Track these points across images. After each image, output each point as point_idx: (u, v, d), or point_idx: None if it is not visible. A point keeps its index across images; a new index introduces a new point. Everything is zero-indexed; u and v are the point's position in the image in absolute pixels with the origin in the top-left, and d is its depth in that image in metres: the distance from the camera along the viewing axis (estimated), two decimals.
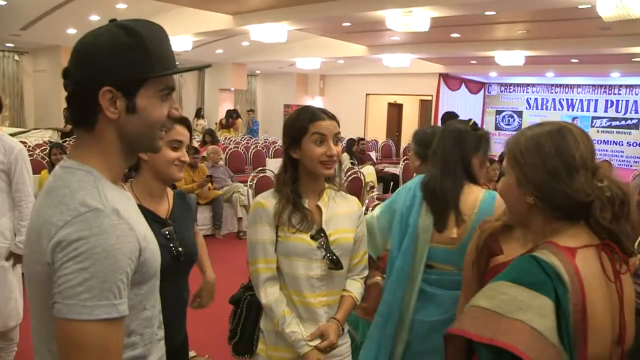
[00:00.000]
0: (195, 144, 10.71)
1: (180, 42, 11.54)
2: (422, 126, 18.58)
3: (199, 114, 16.49)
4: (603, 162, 6.94)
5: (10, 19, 10.62)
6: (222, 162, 8.78)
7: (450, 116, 8.68)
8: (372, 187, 8.31)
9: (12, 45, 13.76)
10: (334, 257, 1.96)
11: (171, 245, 1.99)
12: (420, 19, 8.17)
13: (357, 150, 10.85)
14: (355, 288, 2.10)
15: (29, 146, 10.10)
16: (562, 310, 1.11)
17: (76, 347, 1.04)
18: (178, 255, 1.99)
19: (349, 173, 7.55)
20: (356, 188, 7.24)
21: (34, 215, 1.16)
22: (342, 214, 2.06)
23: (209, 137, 10.72)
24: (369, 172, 8.59)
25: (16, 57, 14.74)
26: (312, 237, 1.96)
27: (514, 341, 1.06)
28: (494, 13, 8.78)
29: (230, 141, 13.13)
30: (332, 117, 2.01)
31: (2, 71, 14.63)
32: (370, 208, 4.76)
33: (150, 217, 1.94)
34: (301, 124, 1.97)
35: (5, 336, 3.42)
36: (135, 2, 9.80)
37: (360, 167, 8.93)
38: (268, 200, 2.00)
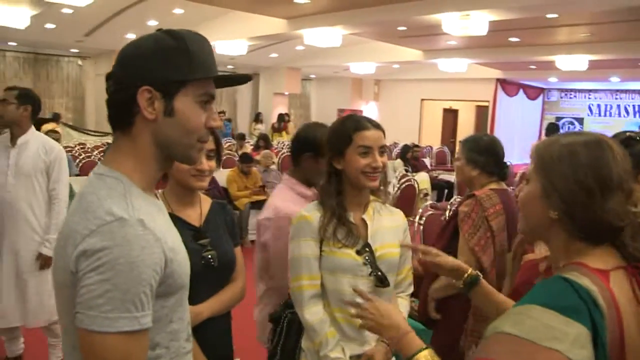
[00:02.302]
0: (249, 148, 10.82)
1: (235, 46, 11.71)
2: (478, 132, 18.34)
3: (257, 118, 16.67)
4: None
5: (75, 26, 11.01)
6: (274, 167, 8.80)
7: (555, 127, 8.44)
8: (426, 195, 8.16)
9: (76, 50, 14.34)
10: (380, 273, 1.87)
11: (203, 252, 1.94)
12: (478, 23, 7.96)
13: (411, 157, 10.69)
14: (402, 307, 2.00)
15: (88, 147, 10.43)
16: (600, 340, 0.97)
17: (97, 359, 1.03)
18: (211, 262, 1.94)
19: (402, 180, 7.42)
20: (409, 196, 7.10)
21: (65, 222, 1.14)
22: (387, 228, 1.97)
23: (263, 142, 10.81)
24: (422, 180, 8.42)
25: (79, 62, 15.38)
26: (357, 252, 1.88)
27: None
28: (556, 15, 8.47)
29: (283, 145, 13.18)
30: (378, 127, 1.92)
31: (67, 75, 15.34)
32: (424, 217, 4.63)
33: (182, 224, 1.90)
34: (345, 133, 1.88)
35: (52, 332, 3.48)
36: (191, 7, 9.96)
37: (414, 174, 8.77)
38: (312, 213, 1.92)
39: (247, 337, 3.28)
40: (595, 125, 17.48)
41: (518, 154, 15.09)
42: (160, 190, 1.99)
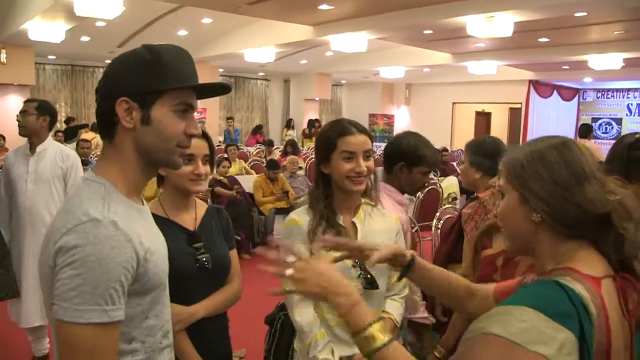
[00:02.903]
0: (277, 154, 10.92)
1: (263, 54, 11.86)
2: (512, 135, 17.90)
3: (289, 125, 16.81)
4: None
5: (109, 38, 11.33)
6: (301, 172, 8.86)
7: (589, 128, 8.31)
8: (455, 199, 8.08)
9: (109, 61, 14.67)
10: (369, 276, 1.88)
11: (197, 255, 2.00)
12: (502, 24, 7.88)
13: (440, 161, 10.61)
14: (395, 309, 2.01)
15: None
16: (587, 349, 0.96)
17: (69, 347, 1.13)
18: (205, 265, 2.00)
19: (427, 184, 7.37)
20: (432, 200, 7.05)
21: (51, 221, 1.25)
22: (378, 231, 1.99)
23: (291, 147, 10.89)
24: (451, 184, 8.34)
25: None
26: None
27: None
28: (585, 14, 8.30)
29: (313, 151, 13.26)
30: (363, 131, 1.94)
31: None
32: (442, 220, 4.61)
33: (177, 228, 1.99)
34: (330, 139, 1.92)
35: None
36: (219, 16, 10.15)
37: (442, 178, 8.71)
38: (302, 217, 1.95)
39: (244, 338, 3.34)
40: (635, 125, 16.99)
41: None
42: (156, 198, 2.08)
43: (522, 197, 1.14)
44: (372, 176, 1.98)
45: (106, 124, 1.26)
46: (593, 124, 18.22)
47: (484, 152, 2.51)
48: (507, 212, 1.18)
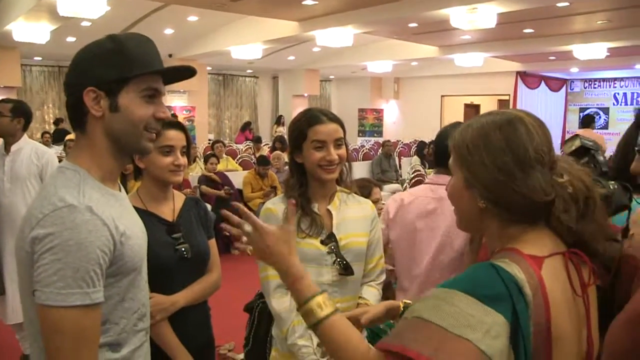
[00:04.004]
0: (266, 151, 10.94)
1: (250, 51, 11.87)
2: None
3: (279, 121, 16.80)
4: None
5: (94, 38, 10.89)
6: (287, 168, 8.87)
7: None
8: None
9: None
10: (344, 262, 1.90)
11: (177, 245, 2.03)
12: (486, 16, 7.93)
13: (428, 153, 10.67)
14: (371, 295, 2.03)
15: None
16: (521, 330, 0.96)
17: (54, 331, 1.16)
18: (184, 254, 2.03)
19: (413, 175, 7.44)
20: None
21: (27, 208, 1.28)
22: (354, 218, 2.01)
23: (279, 144, 10.88)
24: None
25: None
26: (322, 242, 1.91)
27: None
28: (567, 4, 8.34)
29: None
30: (334, 120, 1.94)
31: None
32: None
33: (156, 219, 2.03)
34: (300, 129, 1.93)
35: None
36: (205, 14, 10.15)
37: (430, 170, 8.77)
38: (277, 205, 1.97)
39: (225, 326, 3.37)
40: (622, 115, 17.10)
41: None
42: (135, 190, 2.11)
43: (467, 182, 1.12)
44: (346, 164, 2.00)
45: (76, 115, 1.30)
46: (581, 114, 18.37)
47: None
48: (454, 193, 1.17)
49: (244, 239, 1.27)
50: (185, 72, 1.39)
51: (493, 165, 1.07)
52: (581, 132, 8.37)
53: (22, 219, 1.24)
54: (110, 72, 1.26)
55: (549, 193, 1.05)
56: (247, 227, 1.25)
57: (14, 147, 3.59)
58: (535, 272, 1.01)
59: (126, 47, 1.28)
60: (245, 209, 1.31)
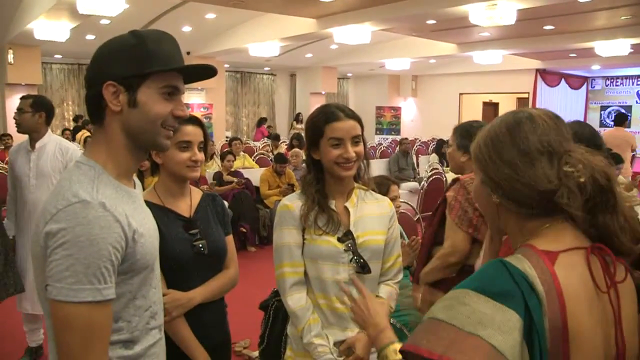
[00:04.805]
0: (284, 148, 10.94)
1: (268, 48, 11.87)
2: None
3: (297, 119, 16.82)
4: None
5: (113, 35, 11.26)
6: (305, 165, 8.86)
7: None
8: None
9: None
10: (362, 260, 1.88)
11: (194, 241, 2.02)
12: (505, 12, 7.83)
13: (446, 151, 10.58)
14: (388, 294, 2.01)
15: None
16: (535, 327, 0.95)
17: (64, 326, 1.16)
18: (201, 250, 2.02)
19: (431, 173, 7.38)
20: (436, 189, 7.04)
21: (43, 202, 1.28)
22: (371, 215, 1.98)
23: (297, 141, 10.89)
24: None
25: None
26: (339, 240, 1.89)
27: (465, 359, 0.91)
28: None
29: None
30: (351, 116, 1.91)
31: None
32: None
33: (173, 215, 2.02)
34: (317, 126, 1.90)
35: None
36: (223, 11, 10.17)
37: (446, 169, 8.71)
38: (294, 202, 1.95)
39: (241, 323, 3.37)
40: None
41: None
42: (152, 186, 2.10)
43: (482, 180, 1.16)
44: (364, 161, 1.97)
45: (95, 109, 1.30)
46: (602, 112, 18.10)
47: (471, 135, 2.50)
48: (476, 194, 1.23)
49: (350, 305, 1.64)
50: (205, 72, 1.39)
51: (500, 160, 1.11)
52: (613, 130, 8.24)
53: (38, 214, 1.24)
54: (131, 68, 1.26)
55: (552, 181, 1.06)
56: (355, 294, 1.64)
57: (38, 144, 3.61)
58: (548, 268, 1.00)
59: (148, 43, 1.28)
60: (364, 288, 1.63)
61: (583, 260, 1.03)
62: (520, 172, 1.07)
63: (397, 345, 1.30)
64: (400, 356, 1.16)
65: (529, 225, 1.10)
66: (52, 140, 3.67)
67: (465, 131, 2.56)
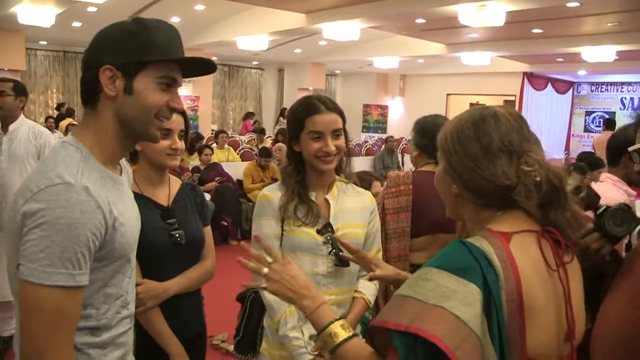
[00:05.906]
0: (269, 143, 10.91)
1: (256, 42, 11.80)
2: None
3: (283, 114, 16.77)
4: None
5: (101, 23, 10.82)
6: None
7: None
8: None
9: None
10: (341, 253, 1.86)
11: (171, 231, 1.99)
12: (495, 13, 7.84)
13: None
14: (367, 289, 1.99)
15: None
16: (493, 299, 1.02)
17: (32, 309, 1.14)
18: (178, 240, 1.99)
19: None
20: None
21: (24, 179, 1.25)
22: (352, 209, 1.97)
23: (282, 136, 10.86)
24: None
25: None
26: (318, 232, 1.88)
27: (431, 328, 0.96)
28: (577, 4, 8.25)
29: None
30: (333, 109, 1.88)
31: None
32: None
33: (150, 204, 1.99)
34: (298, 118, 1.89)
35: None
36: (212, 3, 10.10)
37: None
38: (274, 192, 1.93)
39: (220, 317, 3.34)
40: (628, 120, 17.01)
41: (546, 149, 14.77)
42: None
43: (445, 169, 1.23)
44: (345, 153, 1.96)
45: (89, 91, 1.28)
46: (587, 117, 18.28)
47: (423, 130, 2.54)
48: (437, 181, 1.28)
49: (264, 270, 1.34)
50: (204, 67, 1.38)
51: (463, 153, 1.18)
52: (602, 135, 8.29)
53: (17, 190, 1.21)
54: (130, 54, 1.24)
55: (510, 178, 1.12)
56: (269, 259, 1.36)
57: (11, 127, 3.59)
58: (503, 246, 1.08)
59: (149, 31, 1.26)
60: (266, 243, 1.42)
61: (535, 241, 1.12)
62: (480, 167, 1.15)
63: (342, 323, 1.23)
64: (351, 331, 1.21)
65: (484, 213, 1.18)
66: (25, 123, 3.67)
67: (420, 127, 2.57)
